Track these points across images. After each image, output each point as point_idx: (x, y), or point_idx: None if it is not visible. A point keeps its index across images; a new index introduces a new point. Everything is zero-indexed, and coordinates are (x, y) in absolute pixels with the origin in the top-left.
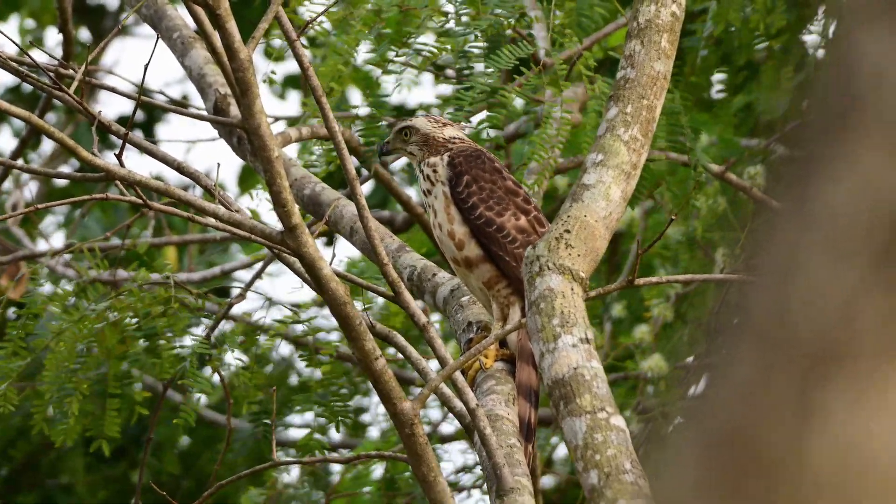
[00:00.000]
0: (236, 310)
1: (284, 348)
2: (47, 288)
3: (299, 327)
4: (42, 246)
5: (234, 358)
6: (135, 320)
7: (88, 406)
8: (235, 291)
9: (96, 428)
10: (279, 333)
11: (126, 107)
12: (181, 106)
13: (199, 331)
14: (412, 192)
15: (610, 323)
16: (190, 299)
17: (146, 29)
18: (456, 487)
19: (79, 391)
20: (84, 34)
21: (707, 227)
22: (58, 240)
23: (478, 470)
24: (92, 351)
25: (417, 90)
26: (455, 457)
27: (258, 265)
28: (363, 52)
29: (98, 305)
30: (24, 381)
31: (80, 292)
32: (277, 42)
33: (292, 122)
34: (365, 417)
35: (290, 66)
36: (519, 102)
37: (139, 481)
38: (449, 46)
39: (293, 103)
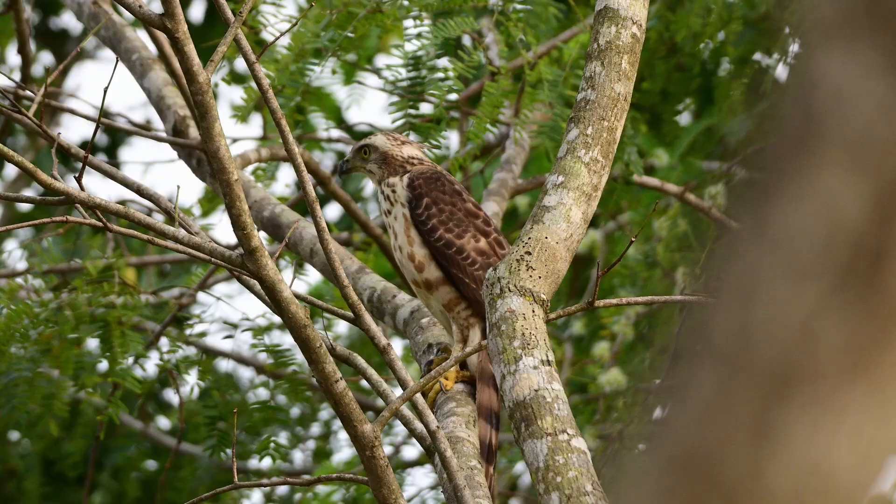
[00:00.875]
0: (195, 332)
1: (245, 372)
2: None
3: (262, 354)
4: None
5: (194, 382)
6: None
7: (37, 394)
8: (193, 310)
9: (45, 408)
10: (237, 358)
11: (89, 131)
12: (142, 128)
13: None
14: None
15: (571, 343)
16: (142, 300)
17: (108, 54)
18: None
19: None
20: (47, 58)
21: (667, 247)
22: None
23: (438, 493)
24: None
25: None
26: (419, 480)
27: (215, 282)
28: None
29: (50, 295)
30: None
31: (31, 288)
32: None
33: (262, 140)
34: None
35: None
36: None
37: (87, 485)
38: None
39: (254, 126)
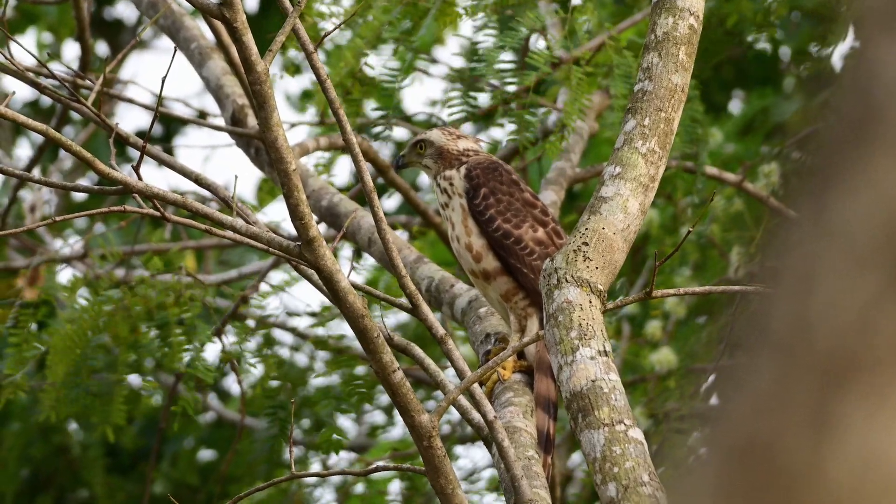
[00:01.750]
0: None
1: (300, 357)
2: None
3: (319, 330)
4: (62, 248)
5: (249, 361)
6: (145, 313)
7: (95, 395)
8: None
9: (103, 414)
10: (299, 334)
11: (143, 122)
12: (200, 117)
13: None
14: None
15: (628, 324)
16: (206, 297)
17: (164, 43)
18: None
19: (85, 375)
20: (101, 49)
21: (723, 227)
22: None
23: (489, 472)
24: (103, 339)
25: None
26: (475, 454)
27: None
28: (378, 59)
29: (110, 292)
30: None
31: (91, 283)
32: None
33: (322, 127)
34: (379, 418)
35: (305, 81)
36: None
37: (149, 470)
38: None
39: (310, 117)
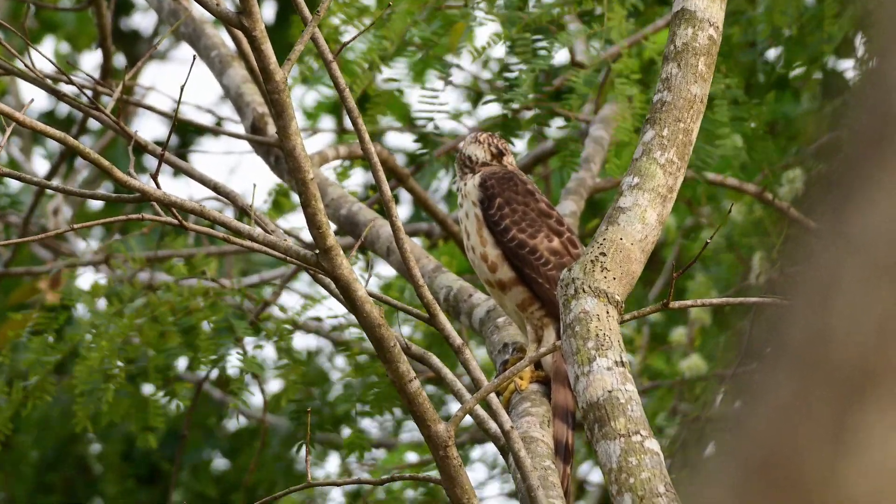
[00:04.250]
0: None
1: (322, 358)
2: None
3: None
4: (84, 252)
5: (272, 361)
6: (171, 318)
7: (124, 404)
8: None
9: (140, 420)
10: (317, 331)
11: (163, 133)
12: (219, 125)
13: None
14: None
15: (647, 327)
16: (228, 299)
17: (182, 53)
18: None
19: (113, 381)
20: (119, 60)
21: (743, 232)
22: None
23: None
24: (133, 340)
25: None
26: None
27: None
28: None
29: (136, 302)
30: (60, 377)
31: (113, 293)
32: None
33: (341, 134)
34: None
35: (323, 91)
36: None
37: (173, 478)
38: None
39: (327, 124)
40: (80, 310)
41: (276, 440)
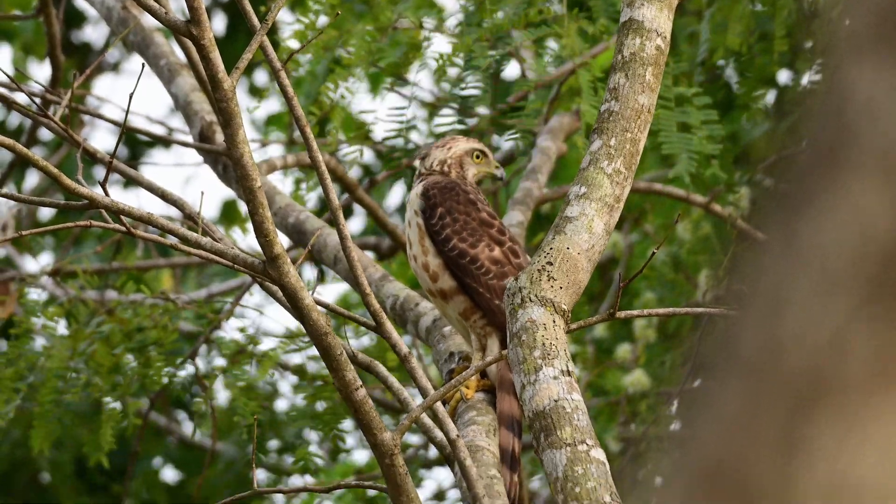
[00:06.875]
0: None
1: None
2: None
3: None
4: (33, 266)
5: (221, 383)
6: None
7: (76, 424)
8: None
9: (91, 443)
10: (271, 360)
11: (113, 145)
12: (167, 135)
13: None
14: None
15: (593, 345)
16: (181, 323)
17: (134, 66)
18: None
19: (66, 403)
20: (70, 72)
21: (691, 250)
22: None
23: (452, 494)
24: (81, 367)
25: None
26: (439, 475)
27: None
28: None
29: (92, 322)
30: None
31: (69, 313)
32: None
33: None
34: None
35: (272, 105)
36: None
37: (124, 496)
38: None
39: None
40: (37, 325)
41: (225, 465)
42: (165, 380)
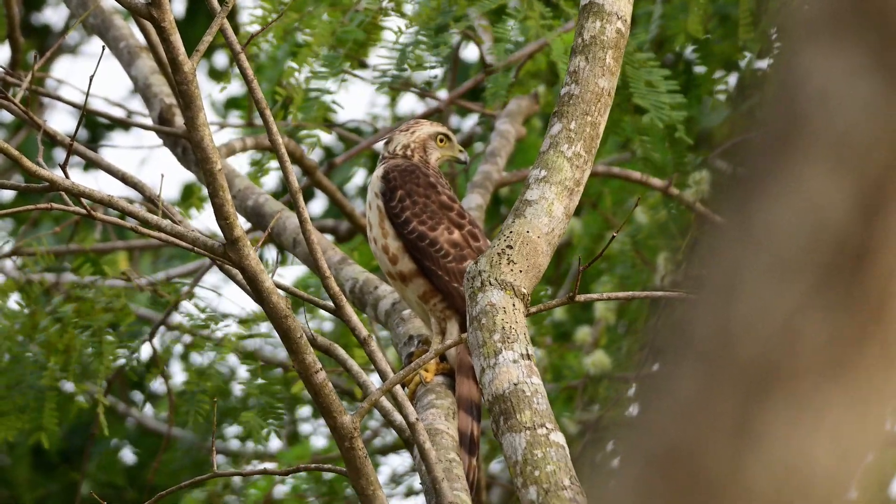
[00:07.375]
0: (181, 319)
1: (229, 359)
2: None
3: (249, 341)
4: None
5: (180, 369)
6: (77, 320)
7: (31, 402)
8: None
9: (34, 421)
10: (227, 346)
11: (71, 125)
12: (127, 117)
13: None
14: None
15: (552, 326)
16: (136, 303)
17: (94, 48)
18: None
19: (21, 385)
20: (30, 53)
21: (649, 234)
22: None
23: (411, 479)
24: (33, 347)
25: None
26: (394, 461)
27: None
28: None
29: (52, 303)
30: None
31: (23, 288)
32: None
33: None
34: (306, 428)
35: (232, 88)
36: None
37: (81, 478)
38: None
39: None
40: None
41: (181, 453)
42: (122, 361)
